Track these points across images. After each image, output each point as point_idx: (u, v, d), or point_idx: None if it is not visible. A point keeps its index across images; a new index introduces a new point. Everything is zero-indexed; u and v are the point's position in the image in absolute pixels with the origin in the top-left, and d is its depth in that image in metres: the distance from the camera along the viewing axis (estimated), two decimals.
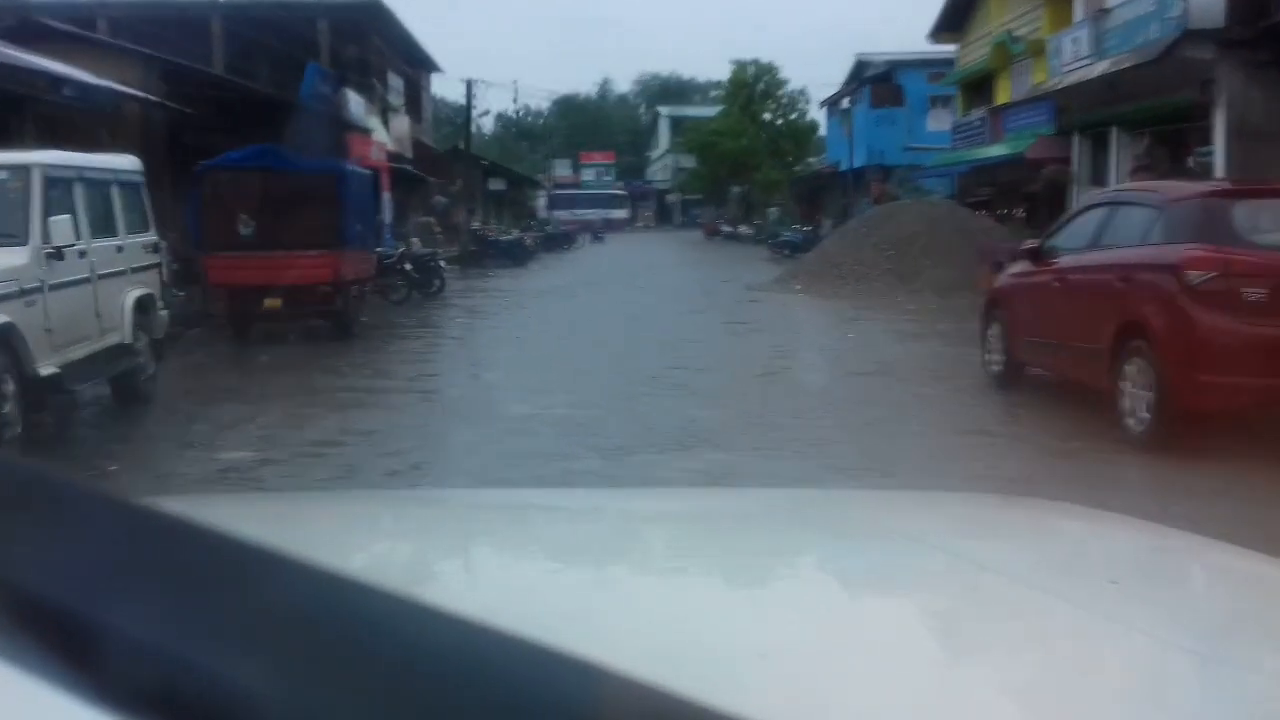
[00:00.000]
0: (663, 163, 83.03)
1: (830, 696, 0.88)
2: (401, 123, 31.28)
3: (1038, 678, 0.98)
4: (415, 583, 1.22)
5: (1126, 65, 20.21)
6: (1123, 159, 23.89)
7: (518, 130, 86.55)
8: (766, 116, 57.01)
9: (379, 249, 20.21)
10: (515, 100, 63.14)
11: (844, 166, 45.29)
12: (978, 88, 32.57)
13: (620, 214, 69.94)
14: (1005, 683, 0.98)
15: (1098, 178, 24.27)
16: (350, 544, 1.47)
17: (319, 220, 13.24)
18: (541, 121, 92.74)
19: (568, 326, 15.48)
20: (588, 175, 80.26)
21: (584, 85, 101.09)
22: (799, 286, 20.54)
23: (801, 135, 57.00)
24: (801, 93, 57.07)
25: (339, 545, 1.40)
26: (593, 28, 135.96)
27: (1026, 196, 25.56)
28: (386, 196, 25.44)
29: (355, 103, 26.37)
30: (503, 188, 46.36)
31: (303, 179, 13.38)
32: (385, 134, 29.80)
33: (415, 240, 30.42)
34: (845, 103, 47.01)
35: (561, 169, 79.65)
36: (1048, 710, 0.90)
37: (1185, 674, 0.99)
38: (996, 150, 28.87)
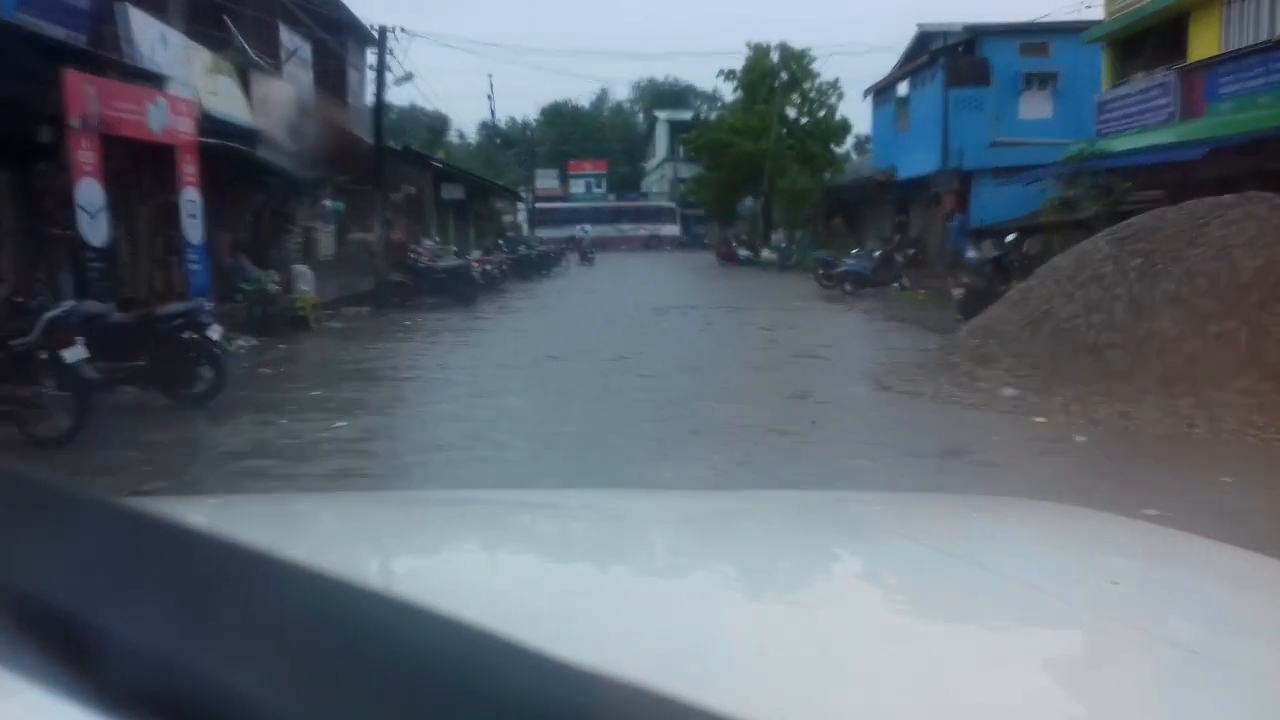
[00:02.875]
0: (660, 173, 71.50)
1: (830, 697, 0.86)
2: (278, 91, 19.75)
3: (1038, 678, 0.95)
4: (412, 584, 1.18)
5: None
6: None
7: (503, 140, 75.10)
8: (791, 113, 45.57)
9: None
10: (490, 98, 50.99)
11: (903, 173, 33.93)
12: (1142, 43, 21.19)
13: (671, 230, 57.69)
14: (1006, 683, 0.93)
15: None
16: (349, 545, 1.42)
17: None
18: (529, 132, 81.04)
19: None
20: (577, 187, 68.66)
21: (577, 95, 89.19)
22: (1012, 390, 8.94)
23: (832, 136, 45.53)
24: (832, 85, 45.64)
25: (338, 547, 1.37)
26: (588, 33, 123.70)
27: None
28: (192, 195, 13.93)
29: (162, 38, 14.82)
30: (460, 196, 34.75)
31: None
32: (241, 99, 18.36)
33: (302, 271, 19.05)
34: (903, 88, 35.77)
35: (546, 180, 67.89)
36: (1048, 710, 0.88)
37: (1185, 674, 0.95)
38: (1184, 131, 17.61)
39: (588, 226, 46.88)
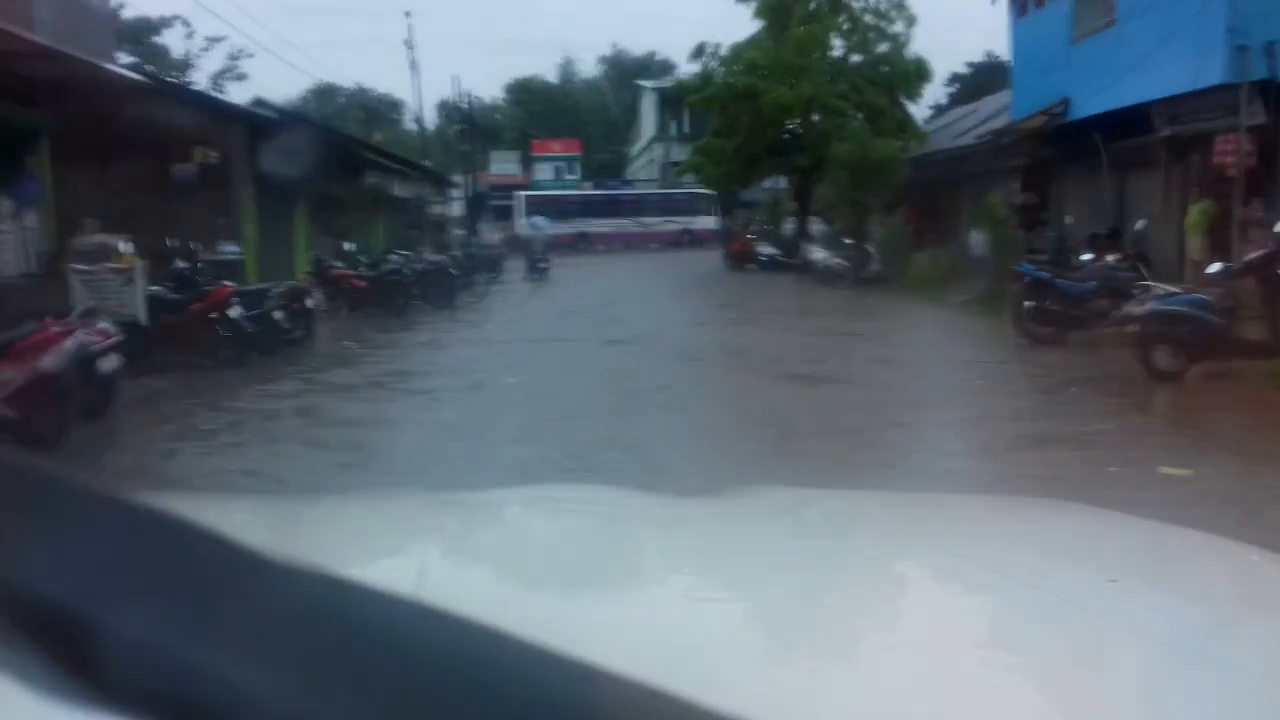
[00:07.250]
0: (648, 157, 54.93)
1: (831, 697, 0.84)
2: None
3: (1037, 678, 0.93)
4: (411, 585, 1.13)
5: None
6: None
7: (469, 122, 58.72)
8: (837, 49, 29.22)
9: None
10: (410, 47, 34.96)
11: (1089, 107, 17.83)
12: None
13: (707, 223, 40.55)
14: (1005, 683, 0.91)
15: None
16: (349, 546, 1.36)
17: None
18: (499, 115, 64.50)
19: None
20: (543, 172, 52.23)
21: (543, 69, 72.41)
22: None
23: (901, 84, 29.10)
24: (899, 6, 29.24)
25: (338, 548, 1.33)
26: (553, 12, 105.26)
27: None
28: None
29: None
30: (291, 173, 18.51)
31: None
32: None
33: None
34: None
35: (503, 164, 51.46)
36: (1047, 710, 0.85)
37: (1185, 673, 0.92)
38: None
39: (541, 220, 30.36)
